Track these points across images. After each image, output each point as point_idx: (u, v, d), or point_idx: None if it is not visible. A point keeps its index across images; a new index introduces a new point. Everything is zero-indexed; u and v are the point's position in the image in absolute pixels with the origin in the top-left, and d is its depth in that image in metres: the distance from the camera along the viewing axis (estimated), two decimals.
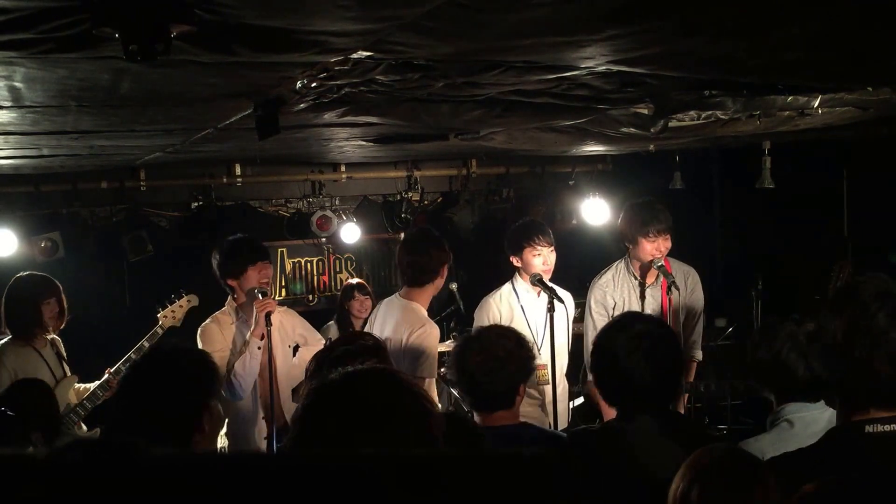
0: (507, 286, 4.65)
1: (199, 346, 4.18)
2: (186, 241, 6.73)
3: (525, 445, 2.70)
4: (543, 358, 4.49)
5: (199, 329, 4.25)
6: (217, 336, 4.15)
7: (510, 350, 2.88)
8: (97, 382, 4.62)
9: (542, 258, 4.48)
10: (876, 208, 6.01)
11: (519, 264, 4.56)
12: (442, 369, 4.27)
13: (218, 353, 4.06)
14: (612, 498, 2.52)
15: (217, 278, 4.27)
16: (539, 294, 4.51)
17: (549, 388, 4.49)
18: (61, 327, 4.65)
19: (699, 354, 4.83)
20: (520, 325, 4.44)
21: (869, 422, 2.02)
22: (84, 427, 4.60)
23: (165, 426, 2.27)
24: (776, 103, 3.45)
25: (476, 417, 2.90)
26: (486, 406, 2.88)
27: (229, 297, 4.33)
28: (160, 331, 4.88)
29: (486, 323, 4.43)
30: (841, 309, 2.07)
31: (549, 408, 4.49)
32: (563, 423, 4.56)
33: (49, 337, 4.59)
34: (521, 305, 4.57)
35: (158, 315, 4.93)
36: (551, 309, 4.27)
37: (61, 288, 4.62)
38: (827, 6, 1.93)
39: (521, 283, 4.59)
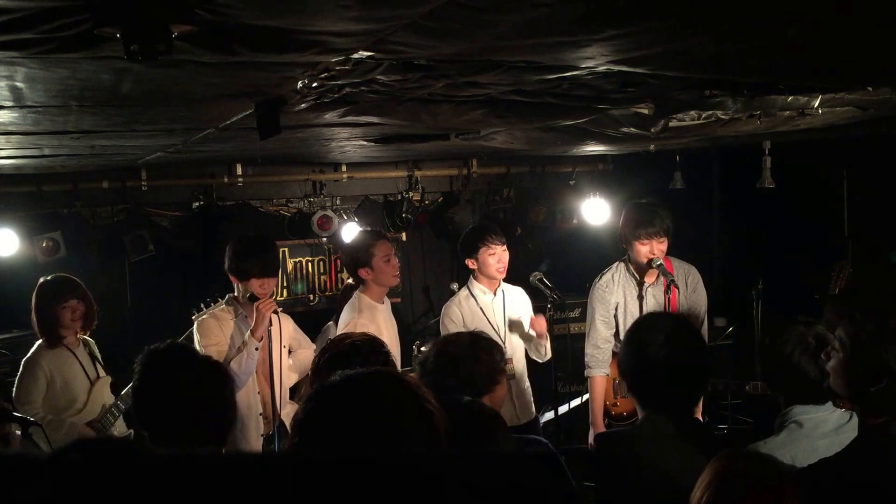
0: (464, 291, 4.85)
1: (196, 339, 4.20)
2: (188, 241, 6.75)
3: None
4: (508, 352, 4.58)
5: (197, 323, 4.27)
6: (215, 330, 4.17)
7: (472, 356, 2.92)
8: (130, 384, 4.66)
9: (497, 257, 4.68)
10: (876, 209, 6.01)
11: (475, 266, 4.76)
12: None
13: (214, 348, 4.07)
14: (634, 500, 2.53)
15: (225, 269, 4.30)
16: (495, 293, 4.74)
17: (513, 382, 4.58)
18: (92, 327, 4.64)
19: None
20: (481, 325, 4.58)
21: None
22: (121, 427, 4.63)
23: (201, 425, 2.31)
24: (776, 103, 3.45)
25: None
26: None
27: (229, 295, 4.34)
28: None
29: (450, 327, 4.63)
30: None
31: (516, 401, 4.64)
32: (529, 414, 4.79)
33: (81, 337, 4.60)
34: (479, 307, 4.72)
35: (193, 318, 4.94)
36: (552, 307, 4.35)
37: (84, 288, 4.61)
38: (827, 6, 1.93)
39: (477, 286, 4.77)
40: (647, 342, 2.66)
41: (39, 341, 4.51)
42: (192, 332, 4.81)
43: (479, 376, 2.89)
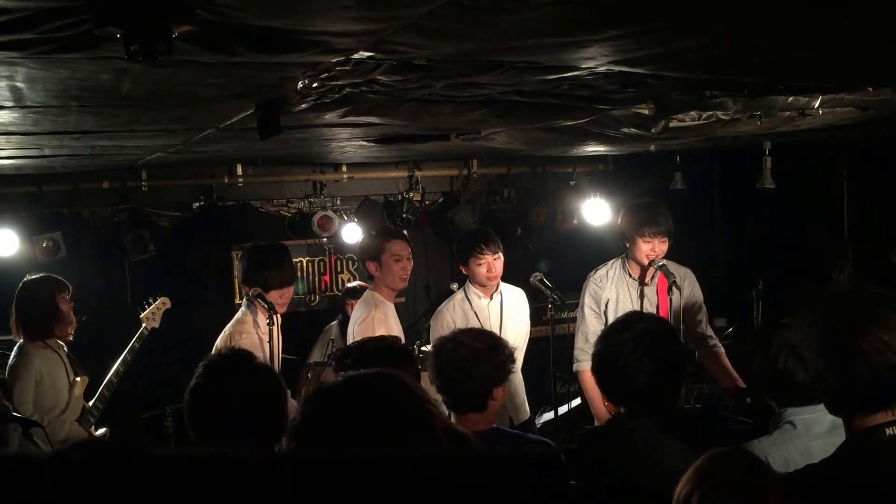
0: (459, 294, 4.86)
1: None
2: (188, 242, 6.75)
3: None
4: None
5: (237, 345, 4.10)
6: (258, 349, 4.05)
7: (481, 352, 2.89)
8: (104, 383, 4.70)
9: (486, 266, 4.67)
10: (876, 208, 6.01)
11: (467, 273, 4.78)
12: None
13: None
14: (619, 497, 2.54)
15: (239, 279, 4.28)
16: (491, 297, 4.75)
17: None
18: (74, 328, 4.62)
19: (718, 342, 4.85)
20: None
21: (887, 424, 2.06)
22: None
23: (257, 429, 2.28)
24: (777, 104, 3.45)
25: (452, 418, 2.91)
26: (457, 406, 2.91)
27: (244, 308, 4.30)
28: (146, 332, 4.97)
29: (441, 331, 4.55)
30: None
31: (507, 402, 4.57)
32: (523, 415, 4.79)
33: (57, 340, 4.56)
34: (474, 311, 4.73)
35: (141, 317, 4.99)
36: (552, 307, 4.35)
37: (70, 289, 4.60)
38: (827, 6, 1.93)
39: (473, 290, 4.78)
40: (620, 343, 2.68)
41: (20, 343, 4.42)
42: (143, 333, 4.95)
43: (490, 372, 2.90)
